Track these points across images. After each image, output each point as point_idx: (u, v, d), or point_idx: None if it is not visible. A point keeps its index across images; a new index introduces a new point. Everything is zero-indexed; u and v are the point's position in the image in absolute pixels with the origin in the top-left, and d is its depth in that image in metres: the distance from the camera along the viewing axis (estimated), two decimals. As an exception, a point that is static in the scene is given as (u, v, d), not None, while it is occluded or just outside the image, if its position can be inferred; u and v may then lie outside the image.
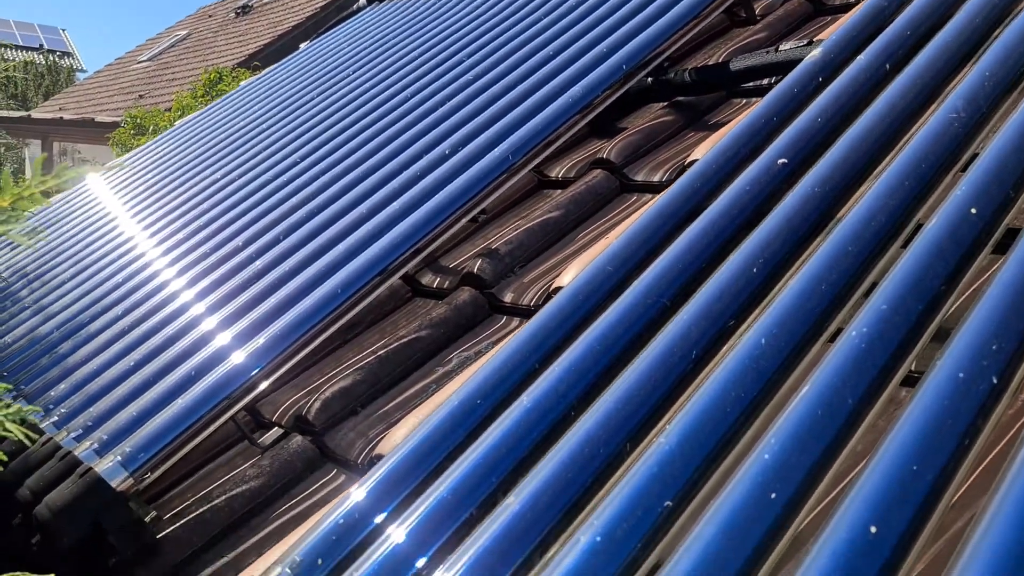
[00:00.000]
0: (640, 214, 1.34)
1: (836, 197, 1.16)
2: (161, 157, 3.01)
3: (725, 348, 1.01)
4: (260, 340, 1.50)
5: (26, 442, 0.78)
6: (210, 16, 18.74)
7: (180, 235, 2.16)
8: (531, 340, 1.15)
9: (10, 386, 0.81)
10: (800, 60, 1.54)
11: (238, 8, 17.43)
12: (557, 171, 2.10)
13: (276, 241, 1.86)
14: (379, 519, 0.99)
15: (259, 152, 2.47)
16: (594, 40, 1.98)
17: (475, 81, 2.15)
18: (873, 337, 0.89)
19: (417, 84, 2.32)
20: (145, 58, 17.70)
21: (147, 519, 1.41)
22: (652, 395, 0.98)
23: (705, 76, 2.01)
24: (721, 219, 1.20)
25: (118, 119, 11.72)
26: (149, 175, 2.86)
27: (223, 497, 1.51)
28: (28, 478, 1.43)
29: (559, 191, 1.98)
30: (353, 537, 0.98)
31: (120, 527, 1.37)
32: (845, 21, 1.59)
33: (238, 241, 1.95)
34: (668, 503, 0.85)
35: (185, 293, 1.82)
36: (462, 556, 0.88)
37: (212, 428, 1.45)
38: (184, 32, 18.29)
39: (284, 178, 2.16)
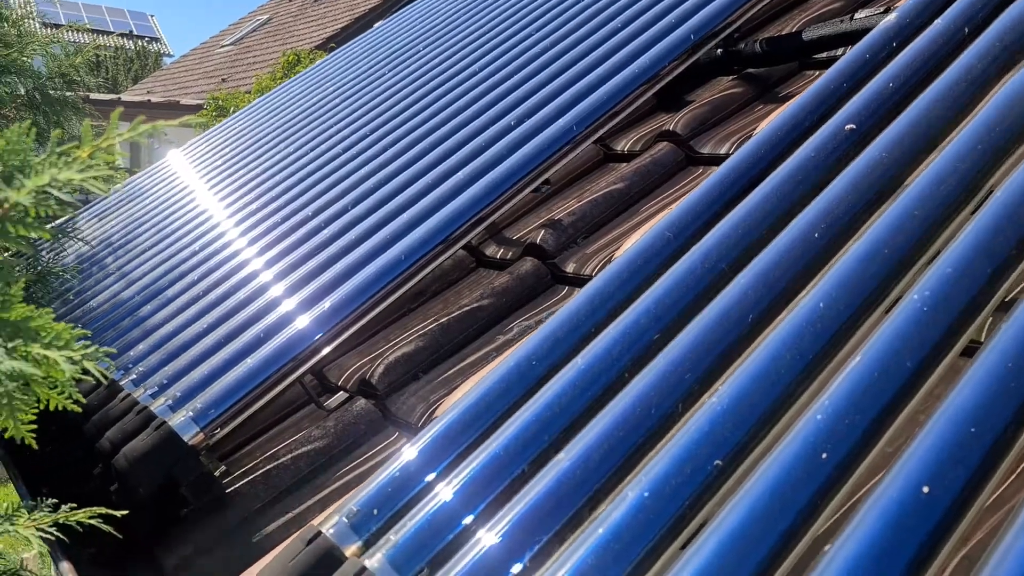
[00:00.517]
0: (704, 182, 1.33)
1: (906, 163, 1.13)
2: (237, 133, 3.10)
3: (783, 312, 1.00)
4: (326, 304, 1.54)
5: (101, 379, 0.83)
6: (290, 0, 19.10)
7: (254, 205, 2.22)
8: (588, 304, 1.15)
9: (89, 332, 0.86)
10: (875, 27, 1.50)
11: (317, -8, 17.72)
12: (623, 144, 2.09)
13: (344, 210, 1.90)
14: (433, 474, 1.01)
15: (330, 127, 2.52)
16: (662, 11, 1.95)
17: (542, 54, 2.14)
18: (937, 300, 0.87)
19: (485, 59, 2.33)
20: (228, 42, 18.14)
21: (217, 473, 1.47)
22: (706, 357, 0.97)
23: (776, 47, 1.97)
24: (785, 185, 1.18)
25: (202, 101, 12.05)
26: (226, 150, 2.94)
27: (289, 456, 1.56)
28: (108, 430, 1.50)
29: (624, 164, 1.97)
30: (408, 490, 1.01)
31: (192, 479, 1.43)
32: (923, -15, 1.53)
33: (308, 211, 2.00)
34: (718, 462, 0.84)
35: (257, 260, 1.87)
36: (512, 509, 0.89)
37: (279, 388, 1.49)
38: (265, 17, 18.68)
39: (353, 151, 2.19)
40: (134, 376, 1.65)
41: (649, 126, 2.11)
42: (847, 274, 0.96)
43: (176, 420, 1.42)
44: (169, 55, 27.07)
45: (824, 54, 1.95)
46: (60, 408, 0.92)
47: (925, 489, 0.70)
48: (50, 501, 1.12)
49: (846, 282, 0.95)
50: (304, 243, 1.84)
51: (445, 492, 0.96)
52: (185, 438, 1.40)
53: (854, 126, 1.23)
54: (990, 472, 0.72)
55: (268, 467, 1.55)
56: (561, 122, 1.73)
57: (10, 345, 0.76)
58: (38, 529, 1.07)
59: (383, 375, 1.62)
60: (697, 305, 1.05)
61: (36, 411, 0.94)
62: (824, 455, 0.78)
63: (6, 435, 0.90)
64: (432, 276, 1.88)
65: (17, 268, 2.26)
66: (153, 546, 1.49)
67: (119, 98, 15.65)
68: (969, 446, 0.72)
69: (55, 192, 0.75)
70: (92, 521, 1.08)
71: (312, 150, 2.40)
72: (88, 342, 0.84)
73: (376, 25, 3.76)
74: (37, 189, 0.72)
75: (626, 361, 1.04)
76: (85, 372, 0.87)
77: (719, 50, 2.09)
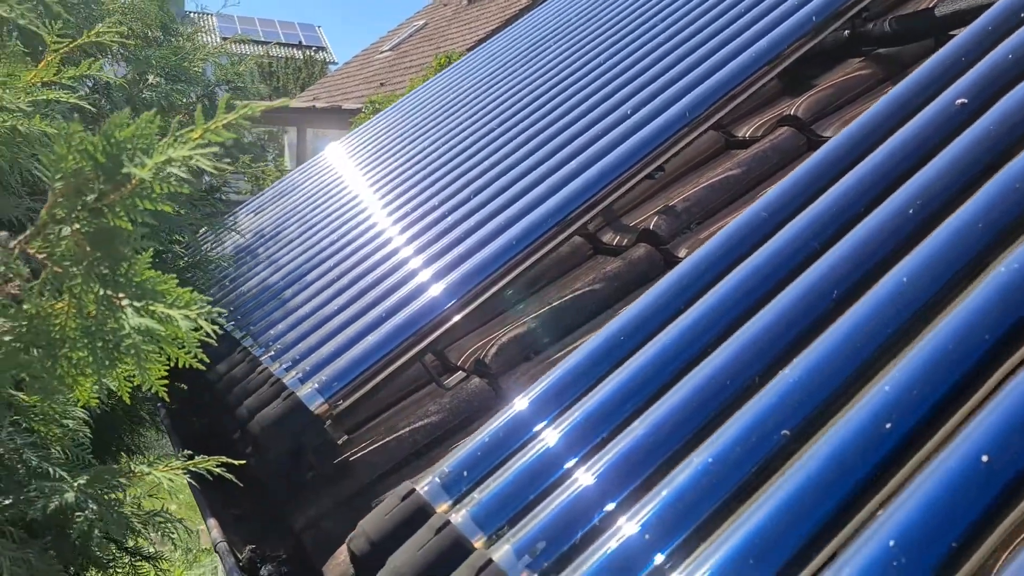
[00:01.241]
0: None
1: (1018, 137, 1.08)
2: (377, 133, 3.27)
3: (869, 289, 0.98)
4: (441, 287, 1.62)
5: (212, 339, 0.93)
6: (445, 5, 19.69)
7: (386, 198, 2.35)
8: (677, 284, 1.17)
9: (210, 298, 0.97)
10: (1011, -2, 1.42)
11: (470, -5, 18.21)
12: (745, 130, 2.06)
13: (466, 200, 1.98)
14: (515, 444, 1.06)
15: (458, 123, 2.62)
16: (784, -7, 1.92)
17: (664, 43, 2.15)
18: (1024, 273, 0.84)
19: (607, 52, 2.36)
20: (386, 48, 18.89)
21: (340, 442, 1.59)
22: (786, 333, 0.97)
23: (907, 25, 1.89)
24: (887, 162, 1.15)
25: (361, 105, 12.65)
26: (365, 148, 3.12)
27: (407, 429, 1.65)
28: (247, 400, 1.65)
29: (744, 150, 1.95)
30: (495, 456, 1.06)
31: (317, 446, 1.55)
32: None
33: (434, 201, 2.10)
34: (785, 432, 0.85)
35: (384, 248, 1.99)
36: (587, 472, 0.93)
37: (398, 363, 1.59)
38: (421, 22, 19.34)
39: (478, 145, 2.28)
40: (272, 352, 1.80)
41: (773, 111, 2.08)
42: (935, 249, 0.94)
43: (303, 391, 1.54)
44: (334, 63, 28.61)
45: (962, 30, 1.85)
46: (188, 366, 1.03)
47: (984, 458, 0.69)
48: (185, 452, 1.26)
49: (933, 257, 0.93)
50: (428, 231, 1.94)
51: (525, 460, 1.01)
52: (311, 408, 1.52)
53: (965, 100, 1.18)
54: (1062, 446, 0.70)
55: (388, 439, 1.65)
56: (674, 109, 1.74)
57: (138, 304, 0.88)
58: (187, 471, 1.21)
59: (496, 355, 1.69)
60: (784, 283, 1.05)
61: (176, 375, 1.07)
62: (888, 425, 0.77)
63: (144, 387, 1.02)
64: (550, 262, 1.94)
65: (180, 258, 2.50)
66: (284, 507, 1.62)
67: (287, 104, 16.68)
68: (1038, 418, 0.70)
69: (175, 169, 0.85)
70: (218, 470, 1.21)
71: (442, 145, 2.51)
72: (206, 306, 0.94)
73: (508, 28, 3.85)
74: (157, 166, 0.82)
75: (710, 338, 1.05)
76: (214, 337, 0.98)
77: (846, 31, 2.02)
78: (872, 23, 1.99)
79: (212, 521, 1.75)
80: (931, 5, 1.92)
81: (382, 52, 18.87)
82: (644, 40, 2.25)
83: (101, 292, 0.88)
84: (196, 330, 0.94)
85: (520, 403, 1.11)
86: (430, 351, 1.74)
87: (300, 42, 30.83)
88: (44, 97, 1.45)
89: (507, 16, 14.55)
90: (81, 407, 1.40)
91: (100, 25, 1.39)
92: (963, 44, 1.33)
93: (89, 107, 1.39)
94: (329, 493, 1.60)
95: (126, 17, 3.34)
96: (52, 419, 1.26)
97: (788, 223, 1.14)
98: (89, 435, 1.32)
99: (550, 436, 1.02)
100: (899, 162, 1.14)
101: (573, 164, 1.78)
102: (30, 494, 1.08)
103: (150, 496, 1.62)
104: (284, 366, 1.70)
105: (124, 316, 0.87)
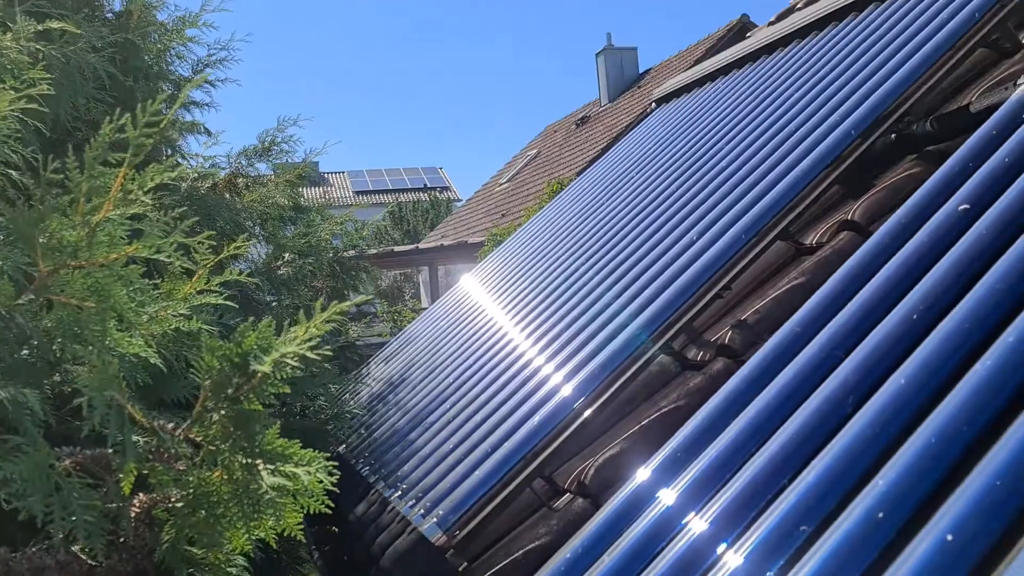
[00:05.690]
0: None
1: (1007, 238, 1.19)
2: (471, 289, 3.57)
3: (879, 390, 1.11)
4: (535, 420, 1.82)
5: (335, 489, 1.16)
6: (555, 132, 20.64)
7: (489, 341, 2.60)
8: (715, 411, 1.32)
9: (328, 454, 1.20)
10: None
11: (577, 120, 19.07)
12: (812, 238, 2.20)
13: (556, 337, 2.20)
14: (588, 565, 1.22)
15: (546, 267, 2.87)
16: (814, 120, 2.09)
17: (716, 177, 2.35)
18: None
19: (676, 185, 2.58)
20: (504, 180, 19.85)
21: (460, 569, 1.77)
22: (803, 446, 1.11)
23: (947, 123, 2.01)
24: (897, 273, 1.28)
25: (483, 239, 13.28)
26: (463, 303, 3.42)
27: (520, 552, 1.82)
28: (380, 536, 1.87)
29: (808, 258, 2.08)
30: None
31: (439, 574, 1.74)
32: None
33: (530, 341, 2.32)
34: (804, 527, 0.98)
35: (488, 389, 2.22)
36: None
37: (504, 494, 1.78)
38: (534, 151, 20.29)
39: (565, 286, 2.52)
40: (399, 491, 2.03)
41: (838, 215, 2.21)
42: (934, 349, 1.07)
43: (425, 525, 1.75)
44: (458, 200, 30.19)
45: (1002, 121, 1.95)
46: (317, 512, 1.26)
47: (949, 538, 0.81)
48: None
49: (933, 357, 1.06)
50: (517, 375, 2.15)
51: None
52: (432, 540, 1.72)
53: (968, 206, 1.31)
54: None
55: (504, 562, 1.83)
56: (730, 234, 1.92)
57: (271, 467, 1.12)
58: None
59: (594, 476, 1.85)
60: (810, 391, 1.19)
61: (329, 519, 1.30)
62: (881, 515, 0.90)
63: (285, 533, 1.25)
64: (641, 383, 2.11)
65: (322, 412, 2.80)
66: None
67: (416, 247, 17.66)
68: None
69: (289, 360, 1.11)
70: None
71: (533, 290, 2.76)
72: (324, 462, 1.18)
73: (589, 169, 4.14)
74: (274, 362, 1.08)
75: (739, 462, 1.20)
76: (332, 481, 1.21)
77: (892, 135, 2.16)
78: (915, 125, 2.12)
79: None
80: (965, 103, 2.04)
81: (501, 184, 19.81)
82: (701, 173, 2.45)
83: (244, 461, 1.13)
84: (321, 482, 1.17)
85: (591, 525, 1.28)
86: (538, 477, 1.92)
87: (425, 184, 32.73)
88: (199, 302, 1.78)
89: (613, 135, 15.12)
90: (243, 555, 1.66)
91: (239, 239, 1.72)
92: (970, 150, 1.45)
93: (233, 304, 1.71)
94: (456, 616, 1.77)
95: (263, 205, 3.84)
96: (217, 568, 1.51)
97: (816, 337, 1.28)
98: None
99: (612, 554, 1.19)
100: (909, 271, 1.27)
101: (642, 297, 1.97)
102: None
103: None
104: (409, 503, 1.92)
105: (261, 478, 1.12)
